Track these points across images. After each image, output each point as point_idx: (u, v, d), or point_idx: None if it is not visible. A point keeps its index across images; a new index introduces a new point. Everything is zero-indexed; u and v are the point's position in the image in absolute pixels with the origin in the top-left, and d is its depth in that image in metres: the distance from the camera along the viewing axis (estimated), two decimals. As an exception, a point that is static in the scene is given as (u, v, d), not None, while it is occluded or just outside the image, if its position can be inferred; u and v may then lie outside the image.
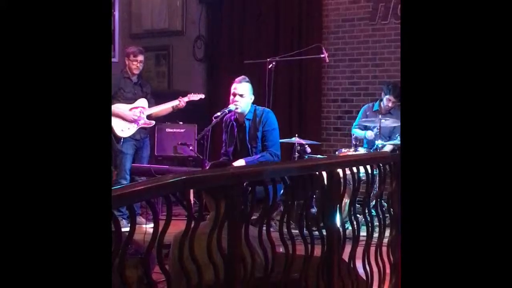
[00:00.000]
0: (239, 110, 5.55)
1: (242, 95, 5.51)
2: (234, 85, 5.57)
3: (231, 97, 5.56)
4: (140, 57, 6.64)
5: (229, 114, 5.70)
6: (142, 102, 6.66)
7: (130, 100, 6.59)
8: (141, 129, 6.62)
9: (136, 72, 6.65)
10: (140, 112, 6.58)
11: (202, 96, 6.75)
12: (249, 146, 5.55)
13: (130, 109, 6.55)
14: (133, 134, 6.56)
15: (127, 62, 6.65)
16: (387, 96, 6.90)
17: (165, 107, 6.69)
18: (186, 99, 6.65)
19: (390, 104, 6.92)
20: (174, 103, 6.64)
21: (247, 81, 5.60)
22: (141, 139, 6.66)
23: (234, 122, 5.67)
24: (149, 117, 6.65)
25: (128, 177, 6.42)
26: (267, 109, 5.69)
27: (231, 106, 5.59)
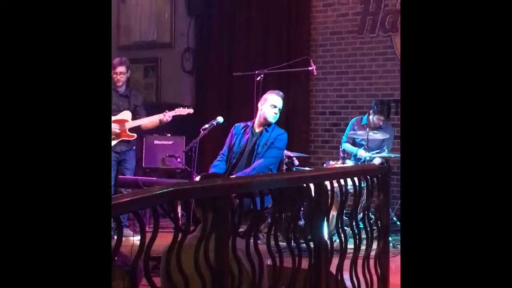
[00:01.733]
0: (273, 121, 5.71)
1: (279, 109, 5.72)
2: (273, 97, 5.72)
3: (268, 107, 5.68)
4: (120, 69, 6.45)
5: (244, 122, 5.85)
6: (125, 115, 6.49)
7: (113, 112, 6.35)
8: (123, 142, 6.47)
9: (118, 84, 6.47)
10: (121, 126, 6.42)
11: (191, 111, 6.56)
12: (256, 150, 5.62)
13: (113, 122, 6.34)
14: (113, 147, 6.36)
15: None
16: (376, 116, 6.91)
17: (149, 121, 6.54)
18: (172, 113, 6.49)
19: (380, 123, 6.95)
20: (159, 116, 6.47)
21: (283, 97, 5.79)
22: (122, 152, 6.49)
23: (250, 129, 5.76)
24: (134, 130, 6.51)
25: None
26: (285, 131, 5.82)
27: (219, 118, 5.64)
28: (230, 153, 5.75)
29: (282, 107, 5.76)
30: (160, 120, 6.50)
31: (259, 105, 5.75)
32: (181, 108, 6.57)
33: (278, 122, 5.91)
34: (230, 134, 5.85)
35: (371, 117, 6.99)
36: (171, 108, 6.58)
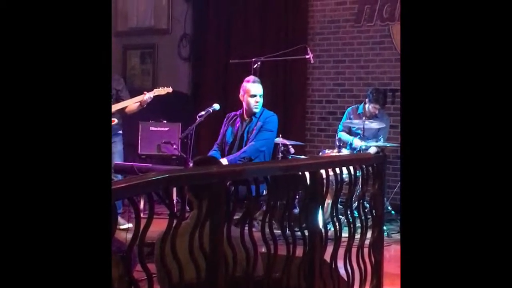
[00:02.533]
0: (257, 110, 5.64)
1: (260, 96, 5.63)
2: (251, 86, 5.62)
3: (248, 98, 5.60)
4: None
5: (233, 112, 5.82)
6: None
7: None
8: None
9: None
10: None
11: (170, 90, 6.50)
12: (245, 137, 5.61)
13: None
14: None
15: None
16: (372, 104, 6.93)
17: (128, 104, 6.43)
18: (152, 93, 6.41)
19: (376, 112, 6.96)
20: (138, 98, 6.38)
21: (260, 81, 5.70)
22: None
23: (239, 117, 5.74)
24: (118, 114, 6.40)
25: None
26: (274, 113, 5.78)
27: (215, 105, 5.64)
28: (223, 142, 5.76)
29: (263, 92, 5.67)
30: (140, 102, 6.39)
31: (240, 96, 5.70)
32: (160, 88, 6.51)
33: (274, 110, 5.90)
34: (223, 124, 5.85)
35: (366, 105, 7.00)
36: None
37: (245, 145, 5.60)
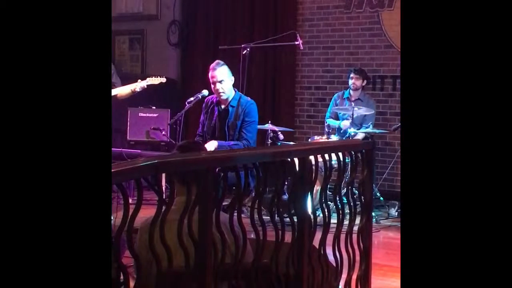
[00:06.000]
0: (224, 97, 5.39)
1: (221, 81, 5.34)
2: (211, 73, 5.38)
3: (212, 86, 5.39)
4: None
5: (211, 96, 5.59)
6: None
7: None
8: None
9: None
10: None
11: (164, 80, 6.42)
12: (227, 132, 5.42)
13: None
14: None
15: None
16: (351, 75, 7.03)
17: (119, 91, 6.40)
18: (145, 83, 6.35)
19: (357, 83, 7.02)
20: (131, 87, 6.33)
21: (222, 65, 5.41)
22: None
23: (216, 106, 5.51)
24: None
25: None
26: (251, 100, 5.51)
27: (204, 91, 5.59)
28: (203, 130, 5.59)
29: (228, 74, 5.38)
30: (132, 90, 6.35)
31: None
32: (153, 77, 6.42)
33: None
34: (202, 111, 5.65)
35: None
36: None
37: (228, 137, 5.42)
